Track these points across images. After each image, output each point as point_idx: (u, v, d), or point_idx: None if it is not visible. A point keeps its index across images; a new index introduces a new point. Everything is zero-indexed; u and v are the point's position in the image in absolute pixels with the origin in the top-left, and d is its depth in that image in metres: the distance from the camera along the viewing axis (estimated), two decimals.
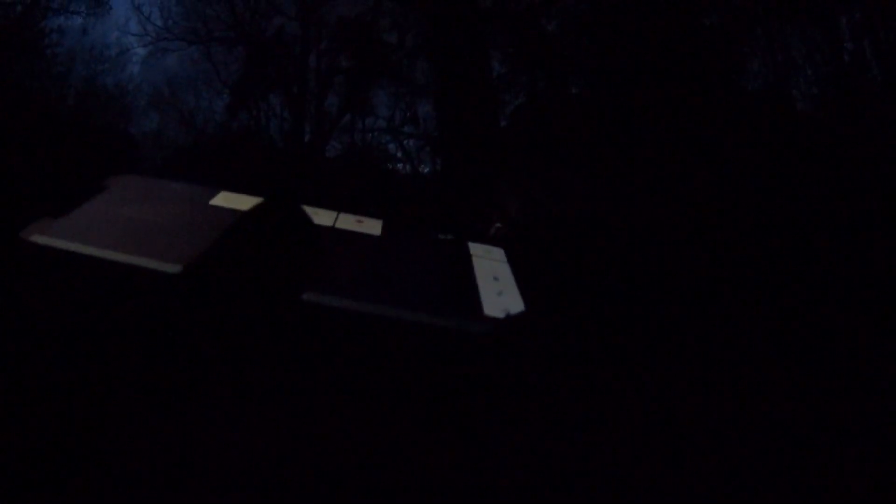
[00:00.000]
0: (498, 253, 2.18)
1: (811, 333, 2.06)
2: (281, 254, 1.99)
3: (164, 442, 1.49)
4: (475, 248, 2.16)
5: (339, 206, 2.35)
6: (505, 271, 2.05)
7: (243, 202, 2.18)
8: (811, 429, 1.67)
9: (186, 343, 1.73)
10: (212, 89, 6.32)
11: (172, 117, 6.32)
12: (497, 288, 1.96)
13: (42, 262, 1.85)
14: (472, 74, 5.59)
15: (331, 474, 1.46)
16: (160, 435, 1.50)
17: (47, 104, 5.62)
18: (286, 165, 5.67)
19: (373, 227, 2.23)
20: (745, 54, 5.58)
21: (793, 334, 2.07)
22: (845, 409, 1.73)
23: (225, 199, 2.20)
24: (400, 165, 6.05)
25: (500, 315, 1.85)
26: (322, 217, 2.22)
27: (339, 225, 2.21)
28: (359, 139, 6.15)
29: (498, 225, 2.68)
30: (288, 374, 1.69)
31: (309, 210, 2.16)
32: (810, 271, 2.50)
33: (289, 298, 1.79)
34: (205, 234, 1.95)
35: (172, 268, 1.83)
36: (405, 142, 6.07)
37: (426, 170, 5.90)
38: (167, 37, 6.24)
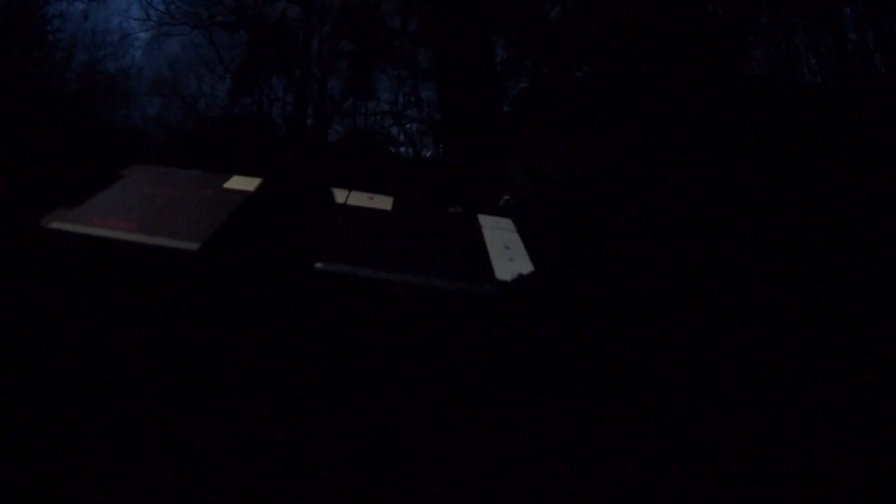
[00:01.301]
0: (507, 223, 2.21)
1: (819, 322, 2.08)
2: (296, 226, 2.02)
3: (192, 412, 1.51)
4: (485, 220, 2.20)
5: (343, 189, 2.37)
6: (515, 240, 2.08)
7: (257, 184, 2.22)
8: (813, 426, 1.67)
9: (207, 317, 1.75)
10: (214, 74, 6.31)
11: (174, 102, 6.30)
12: (508, 255, 1.99)
13: (64, 248, 1.88)
14: (475, 59, 5.59)
15: (350, 436, 1.48)
16: (186, 406, 1.52)
17: (56, 95, 5.62)
18: (289, 149, 5.67)
19: (384, 202, 2.27)
20: (749, 43, 5.57)
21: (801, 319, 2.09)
22: (845, 409, 1.73)
23: (238, 182, 2.22)
24: (402, 149, 6.05)
25: (512, 279, 1.88)
26: (334, 194, 2.25)
27: (351, 201, 2.24)
28: (361, 123, 6.15)
29: (507, 197, 2.69)
30: (307, 341, 1.71)
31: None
32: (809, 259, 2.51)
33: (305, 269, 1.81)
34: (221, 213, 1.99)
35: (191, 245, 1.86)
36: (408, 126, 6.07)
37: (429, 153, 5.91)
38: (169, 21, 6.22)
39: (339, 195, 2.27)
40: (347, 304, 1.77)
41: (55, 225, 1.94)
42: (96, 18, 6.30)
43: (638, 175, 2.66)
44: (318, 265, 1.79)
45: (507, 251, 2.02)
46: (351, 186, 2.35)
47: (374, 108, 6.20)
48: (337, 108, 6.15)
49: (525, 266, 1.95)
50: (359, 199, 2.26)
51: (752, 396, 1.72)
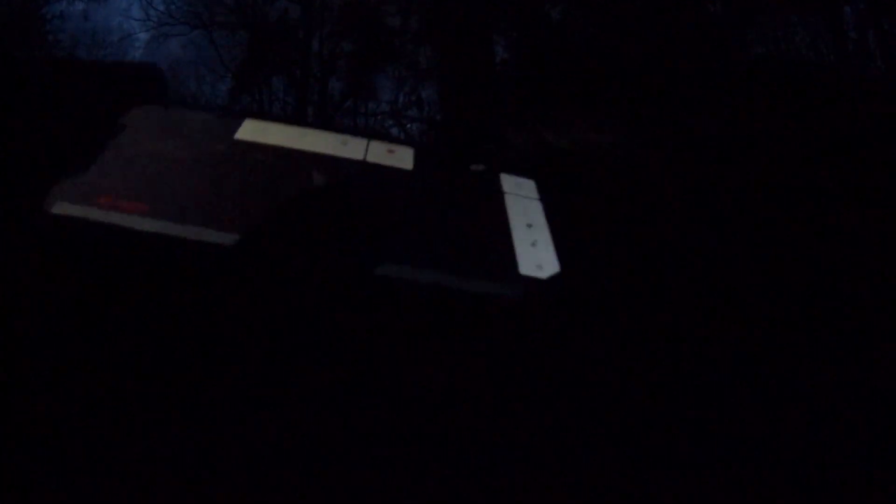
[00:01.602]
0: (530, 187, 2.09)
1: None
2: (336, 220, 1.91)
3: (223, 423, 1.45)
4: (507, 183, 2.07)
5: None
6: (538, 214, 1.99)
7: (271, 133, 2.06)
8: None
9: (240, 319, 1.63)
10: (214, 74, 6.32)
11: (175, 102, 6.30)
12: (531, 237, 1.93)
13: (71, 237, 1.67)
14: (476, 59, 5.62)
15: (363, 443, 1.44)
16: (214, 418, 1.46)
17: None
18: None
19: (404, 158, 2.11)
20: (749, 41, 5.62)
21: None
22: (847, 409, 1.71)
23: (252, 132, 2.04)
24: None
25: (536, 273, 1.79)
26: (352, 146, 2.12)
27: (370, 158, 2.10)
28: (361, 123, 6.16)
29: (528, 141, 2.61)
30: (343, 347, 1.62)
31: (339, 137, 2.09)
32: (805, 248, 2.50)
33: (347, 270, 1.71)
34: (247, 186, 1.79)
35: (226, 238, 1.62)
36: (408, 126, 6.08)
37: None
38: (169, 21, 6.24)
39: (359, 147, 2.11)
40: (370, 308, 1.67)
41: (58, 209, 1.76)
42: (96, 18, 6.30)
43: (646, 162, 2.65)
44: (379, 271, 1.65)
45: (530, 231, 1.97)
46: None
47: (374, 108, 6.22)
48: (337, 108, 6.16)
49: (549, 257, 1.89)
50: (378, 153, 2.10)
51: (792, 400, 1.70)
